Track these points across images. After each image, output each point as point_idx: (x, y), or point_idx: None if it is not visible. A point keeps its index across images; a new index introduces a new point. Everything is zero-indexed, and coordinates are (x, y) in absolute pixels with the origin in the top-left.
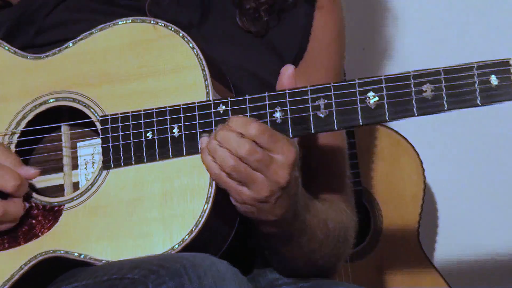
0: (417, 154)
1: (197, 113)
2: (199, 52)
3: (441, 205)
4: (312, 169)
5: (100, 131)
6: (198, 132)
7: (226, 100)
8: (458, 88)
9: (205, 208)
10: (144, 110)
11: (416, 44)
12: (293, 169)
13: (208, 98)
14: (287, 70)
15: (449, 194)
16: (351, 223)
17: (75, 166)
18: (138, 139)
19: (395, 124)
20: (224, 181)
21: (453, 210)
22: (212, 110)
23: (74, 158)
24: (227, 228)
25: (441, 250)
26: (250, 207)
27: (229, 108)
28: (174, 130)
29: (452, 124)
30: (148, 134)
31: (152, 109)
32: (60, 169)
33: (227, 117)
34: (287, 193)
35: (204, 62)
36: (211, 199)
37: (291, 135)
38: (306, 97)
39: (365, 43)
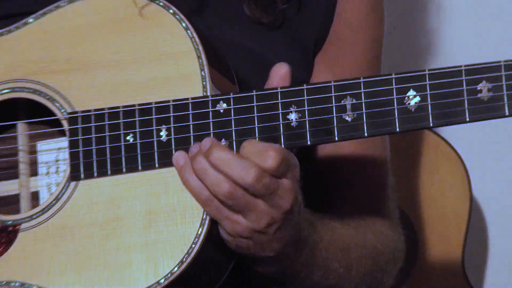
0: (462, 161)
1: (190, 112)
2: (194, 34)
3: (492, 226)
4: (334, 186)
5: (67, 132)
6: (192, 137)
7: (228, 96)
8: None
9: (199, 232)
10: (124, 107)
11: (467, 30)
12: (297, 190)
13: (205, 93)
14: (281, 69)
15: (502, 212)
16: (390, 246)
17: (34, 173)
18: (116, 143)
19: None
20: (215, 208)
21: (507, 233)
22: (210, 109)
23: (34, 163)
24: (226, 257)
25: (492, 283)
26: (245, 240)
27: (232, 106)
28: (162, 133)
29: (507, 122)
30: (128, 138)
31: (134, 105)
32: (15, 176)
33: (228, 117)
34: (289, 220)
35: (200, 48)
36: (207, 221)
37: (309, 142)
38: (329, 95)
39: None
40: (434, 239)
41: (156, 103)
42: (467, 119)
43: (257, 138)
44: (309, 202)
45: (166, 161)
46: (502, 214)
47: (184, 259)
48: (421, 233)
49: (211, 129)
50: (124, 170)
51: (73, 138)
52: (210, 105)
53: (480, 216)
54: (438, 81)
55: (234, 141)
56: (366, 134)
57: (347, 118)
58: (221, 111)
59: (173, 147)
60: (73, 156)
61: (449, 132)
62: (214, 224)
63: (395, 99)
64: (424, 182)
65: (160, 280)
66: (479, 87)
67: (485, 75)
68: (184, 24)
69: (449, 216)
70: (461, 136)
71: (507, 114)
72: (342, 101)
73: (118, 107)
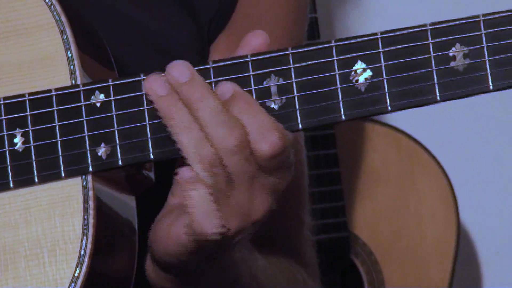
0: (445, 174)
1: (55, 108)
2: (54, 1)
3: (486, 261)
4: None
5: None
6: (59, 143)
7: (106, 83)
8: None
9: (76, 274)
10: None
11: None
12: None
13: (74, 82)
14: (258, 38)
15: (499, 238)
16: None
17: None
18: None
19: (408, 125)
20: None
21: (503, 266)
22: (83, 103)
23: None
24: None
25: None
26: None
27: (112, 98)
28: (16, 141)
29: (498, 121)
30: None
31: None
32: None
33: (108, 113)
34: (249, 235)
35: (64, 19)
36: (87, 257)
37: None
38: (245, 74)
39: None
40: (407, 281)
41: (5, 98)
42: (438, 98)
43: (149, 141)
44: None
45: (24, 179)
46: (499, 241)
47: None
48: (388, 274)
49: (86, 131)
50: None
51: None
52: (82, 97)
53: (470, 246)
54: (393, 48)
55: (118, 146)
56: (300, 126)
57: (272, 106)
58: (98, 104)
59: (33, 158)
60: None
61: (427, 134)
62: (98, 260)
63: (337, 76)
64: (393, 202)
65: None
66: (451, 52)
67: (459, 36)
68: None
69: (427, 248)
70: (443, 138)
71: (491, 87)
72: (264, 83)
73: None
